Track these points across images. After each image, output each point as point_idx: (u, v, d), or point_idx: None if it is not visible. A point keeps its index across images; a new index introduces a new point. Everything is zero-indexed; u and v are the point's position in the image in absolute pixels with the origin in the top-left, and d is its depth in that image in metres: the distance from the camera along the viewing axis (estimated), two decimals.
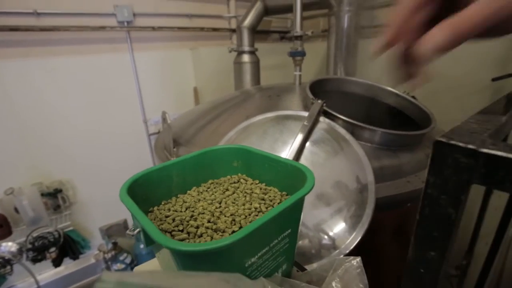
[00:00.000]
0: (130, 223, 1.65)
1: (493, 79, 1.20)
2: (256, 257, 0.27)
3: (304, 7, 1.48)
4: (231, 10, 1.81)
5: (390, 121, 0.92)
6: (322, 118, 0.62)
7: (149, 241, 0.29)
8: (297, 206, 0.30)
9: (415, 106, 0.79)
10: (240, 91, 1.07)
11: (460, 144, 0.16)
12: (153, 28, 1.55)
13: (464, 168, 0.16)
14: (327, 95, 0.89)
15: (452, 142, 0.16)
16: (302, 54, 0.94)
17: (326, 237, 0.52)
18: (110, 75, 1.51)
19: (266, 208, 0.32)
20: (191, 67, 1.72)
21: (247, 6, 1.84)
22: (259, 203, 0.32)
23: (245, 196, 0.34)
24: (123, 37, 1.51)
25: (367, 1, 1.57)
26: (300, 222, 0.31)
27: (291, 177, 0.32)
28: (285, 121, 0.63)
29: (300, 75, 0.95)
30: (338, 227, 0.52)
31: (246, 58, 1.21)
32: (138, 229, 0.29)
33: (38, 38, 1.31)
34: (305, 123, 0.58)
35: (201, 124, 0.84)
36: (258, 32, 1.45)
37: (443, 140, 0.16)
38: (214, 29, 1.74)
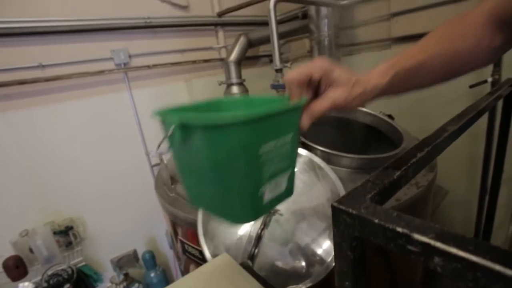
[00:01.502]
0: (140, 252, 1.71)
1: (471, 86, 1.27)
2: (268, 146, 0.33)
3: (286, 35, 1.58)
4: (220, 41, 1.92)
5: (370, 139, 0.98)
6: (301, 150, 0.69)
7: (184, 133, 0.33)
8: (296, 114, 0.37)
9: (389, 125, 0.86)
10: None
11: (344, 208, 0.22)
12: (149, 67, 1.66)
13: (349, 224, 0.22)
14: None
15: (341, 207, 0.23)
16: (283, 87, 1.02)
17: (313, 254, 0.57)
18: (111, 114, 1.61)
19: None
20: (187, 98, 1.82)
21: (235, 35, 1.96)
22: None
23: None
24: (121, 78, 1.62)
25: (346, 21, 1.67)
26: (298, 144, 0.40)
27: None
28: None
29: None
30: (325, 245, 0.58)
31: (235, 89, 1.30)
32: (172, 128, 0.34)
33: (43, 88, 1.43)
34: None
35: None
36: (247, 58, 1.55)
37: (335, 205, 0.23)
38: (206, 61, 1.85)
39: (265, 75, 1.90)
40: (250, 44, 1.32)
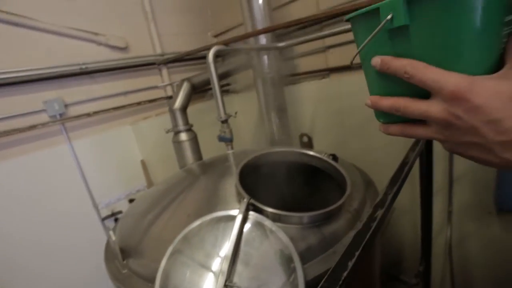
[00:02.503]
0: None
1: None
2: (510, 16, 0.26)
3: (230, 73, 1.61)
4: (165, 79, 1.89)
5: (317, 180, 1.03)
6: (251, 214, 0.70)
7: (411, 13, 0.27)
8: None
9: (335, 168, 0.91)
10: (181, 176, 1.12)
11: None
12: (89, 114, 1.56)
13: None
14: (258, 170, 0.98)
15: None
16: (229, 140, 1.03)
17: None
18: (51, 169, 1.48)
19: None
20: (134, 141, 1.74)
21: (180, 70, 1.95)
22: None
23: None
24: (58, 129, 1.50)
25: (286, 54, 1.75)
26: None
27: None
28: (219, 224, 0.70)
29: (233, 153, 1.04)
30: None
31: (183, 136, 1.28)
32: (390, 15, 0.28)
33: None
34: (234, 228, 0.65)
35: (145, 226, 0.87)
36: (196, 92, 1.53)
37: None
38: (151, 101, 1.80)
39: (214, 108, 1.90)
40: (194, 88, 1.32)
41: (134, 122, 1.73)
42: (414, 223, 1.69)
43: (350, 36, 1.56)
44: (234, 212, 0.70)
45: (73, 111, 1.55)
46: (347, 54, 1.58)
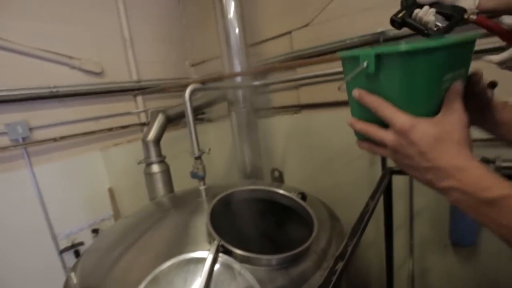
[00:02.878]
0: None
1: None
2: (448, 76, 0.37)
3: (206, 105, 1.64)
4: (139, 105, 1.88)
5: (286, 218, 1.06)
6: (220, 255, 0.70)
7: (378, 63, 0.37)
8: (471, 48, 0.41)
9: (303, 208, 0.95)
10: (151, 209, 1.11)
11: None
12: (55, 140, 1.50)
13: None
14: (229, 207, 1.00)
15: None
16: (202, 178, 1.04)
17: None
18: (7, 195, 1.38)
19: None
20: (103, 168, 1.68)
21: (155, 97, 1.95)
22: None
23: None
24: (19, 154, 1.42)
25: (261, 88, 1.83)
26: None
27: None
28: (189, 266, 0.69)
29: (205, 188, 1.05)
30: None
31: (155, 168, 1.27)
32: (365, 62, 0.37)
33: None
34: (204, 270, 0.65)
35: (111, 263, 0.84)
36: (170, 121, 1.53)
37: None
38: (124, 127, 1.77)
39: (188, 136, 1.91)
40: (169, 120, 1.33)
41: (104, 148, 1.68)
42: (380, 256, 1.75)
43: (320, 77, 1.65)
44: (204, 254, 0.71)
45: (38, 135, 1.48)
46: (317, 93, 1.68)
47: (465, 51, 0.40)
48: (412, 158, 0.37)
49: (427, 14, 0.47)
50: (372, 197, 0.73)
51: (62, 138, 1.52)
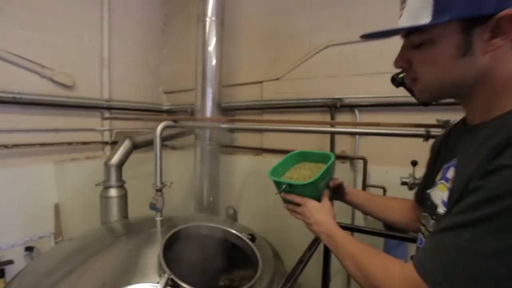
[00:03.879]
0: None
1: None
2: (321, 184, 0.71)
3: (175, 136, 1.70)
4: (105, 124, 1.87)
5: (235, 257, 1.13)
6: None
7: (289, 187, 0.70)
8: (329, 169, 0.74)
9: (251, 248, 1.03)
10: (101, 233, 1.10)
11: None
12: (6, 147, 1.43)
13: None
14: (184, 241, 1.04)
15: None
16: (160, 210, 1.09)
17: None
18: None
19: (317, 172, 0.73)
20: (53, 182, 1.61)
21: (121, 117, 1.96)
22: (315, 170, 0.79)
23: (311, 169, 0.81)
24: None
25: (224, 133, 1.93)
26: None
27: (324, 157, 0.81)
28: None
29: (161, 220, 1.09)
30: None
31: (113, 192, 1.27)
32: (284, 187, 0.70)
33: None
34: None
35: (48, 286, 0.82)
36: (135, 148, 1.54)
37: None
38: (84, 143, 1.74)
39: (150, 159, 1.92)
40: (135, 147, 1.36)
41: (59, 162, 1.62)
42: None
43: (282, 127, 1.80)
44: (153, 286, 0.74)
45: None
46: (280, 140, 1.84)
47: (330, 170, 0.75)
48: (308, 217, 0.68)
49: None
50: (310, 248, 0.84)
51: (15, 146, 1.46)
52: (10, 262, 1.44)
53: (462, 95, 0.47)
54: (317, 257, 1.04)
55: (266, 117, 1.90)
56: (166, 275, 0.76)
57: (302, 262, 0.70)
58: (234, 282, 1.08)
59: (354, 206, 0.83)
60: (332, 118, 1.62)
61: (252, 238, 1.09)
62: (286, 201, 0.73)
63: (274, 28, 1.86)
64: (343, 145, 1.64)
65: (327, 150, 1.64)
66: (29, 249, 1.50)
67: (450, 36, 0.41)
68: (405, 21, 0.45)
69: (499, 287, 0.33)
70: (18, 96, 1.48)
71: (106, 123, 1.87)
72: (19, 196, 1.50)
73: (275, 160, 1.90)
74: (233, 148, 2.00)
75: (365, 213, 0.82)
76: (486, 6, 0.38)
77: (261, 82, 1.89)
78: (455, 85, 0.45)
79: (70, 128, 1.69)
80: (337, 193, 0.81)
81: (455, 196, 0.41)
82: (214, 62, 1.66)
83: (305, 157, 0.86)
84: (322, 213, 0.66)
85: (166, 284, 0.75)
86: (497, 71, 0.41)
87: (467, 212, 0.36)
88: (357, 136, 1.60)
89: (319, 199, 0.71)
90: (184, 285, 0.77)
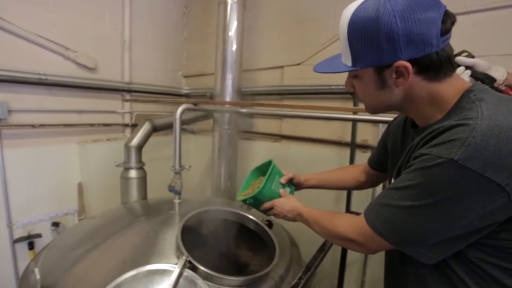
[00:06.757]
0: None
1: None
2: (273, 187, 0.87)
3: (193, 120, 1.70)
4: (126, 106, 1.89)
5: (253, 243, 1.13)
6: (186, 271, 0.75)
7: (254, 198, 0.84)
8: (273, 172, 0.88)
9: (268, 234, 1.02)
10: (121, 212, 1.12)
11: None
12: (33, 126, 1.48)
13: None
14: (201, 224, 1.05)
15: None
16: (178, 193, 1.09)
17: None
18: None
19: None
20: (77, 162, 1.67)
21: (143, 100, 1.97)
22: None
23: (261, 181, 0.89)
24: None
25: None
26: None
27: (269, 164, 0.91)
28: (154, 277, 0.74)
29: (179, 203, 1.09)
30: None
31: (133, 174, 1.29)
32: (248, 202, 0.86)
33: None
34: (169, 284, 0.70)
35: (73, 262, 0.85)
36: (155, 131, 1.56)
37: None
38: (106, 124, 1.78)
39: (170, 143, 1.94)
40: (155, 129, 1.37)
41: (82, 143, 1.67)
42: (333, 285, 1.84)
43: (303, 112, 1.76)
44: (170, 266, 0.75)
45: (18, 118, 1.46)
46: (299, 127, 1.81)
47: (274, 172, 0.88)
48: (281, 211, 0.81)
49: (463, 74, 0.55)
50: None
51: (41, 125, 1.51)
52: (39, 235, 1.52)
53: (399, 110, 0.59)
54: (333, 247, 1.02)
55: (286, 103, 1.86)
56: (184, 257, 0.77)
57: (323, 251, 0.68)
58: (250, 268, 1.08)
59: (315, 187, 0.97)
60: (355, 105, 1.56)
61: (270, 224, 1.08)
62: (264, 211, 0.87)
63: (297, 11, 1.78)
64: (365, 133, 1.58)
65: (348, 138, 1.59)
66: (55, 224, 1.57)
67: (369, 76, 0.54)
68: (342, 58, 0.57)
69: (412, 232, 0.49)
70: (43, 77, 1.51)
71: (127, 106, 1.89)
72: (45, 174, 1.56)
73: (293, 147, 1.88)
74: (251, 134, 1.98)
75: (327, 188, 0.97)
76: (384, 59, 0.50)
77: (282, 67, 1.84)
78: (388, 106, 0.58)
79: (92, 110, 1.72)
80: (295, 184, 0.94)
81: (397, 173, 0.59)
82: (234, 47, 1.62)
83: (260, 170, 0.98)
84: (287, 203, 0.82)
85: (184, 265, 0.75)
86: (415, 95, 0.53)
87: (398, 182, 0.51)
88: (381, 125, 1.53)
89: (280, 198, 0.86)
90: (201, 267, 0.77)
